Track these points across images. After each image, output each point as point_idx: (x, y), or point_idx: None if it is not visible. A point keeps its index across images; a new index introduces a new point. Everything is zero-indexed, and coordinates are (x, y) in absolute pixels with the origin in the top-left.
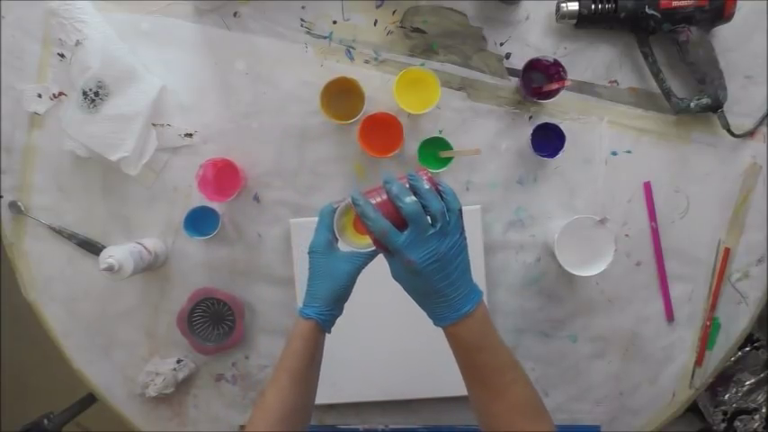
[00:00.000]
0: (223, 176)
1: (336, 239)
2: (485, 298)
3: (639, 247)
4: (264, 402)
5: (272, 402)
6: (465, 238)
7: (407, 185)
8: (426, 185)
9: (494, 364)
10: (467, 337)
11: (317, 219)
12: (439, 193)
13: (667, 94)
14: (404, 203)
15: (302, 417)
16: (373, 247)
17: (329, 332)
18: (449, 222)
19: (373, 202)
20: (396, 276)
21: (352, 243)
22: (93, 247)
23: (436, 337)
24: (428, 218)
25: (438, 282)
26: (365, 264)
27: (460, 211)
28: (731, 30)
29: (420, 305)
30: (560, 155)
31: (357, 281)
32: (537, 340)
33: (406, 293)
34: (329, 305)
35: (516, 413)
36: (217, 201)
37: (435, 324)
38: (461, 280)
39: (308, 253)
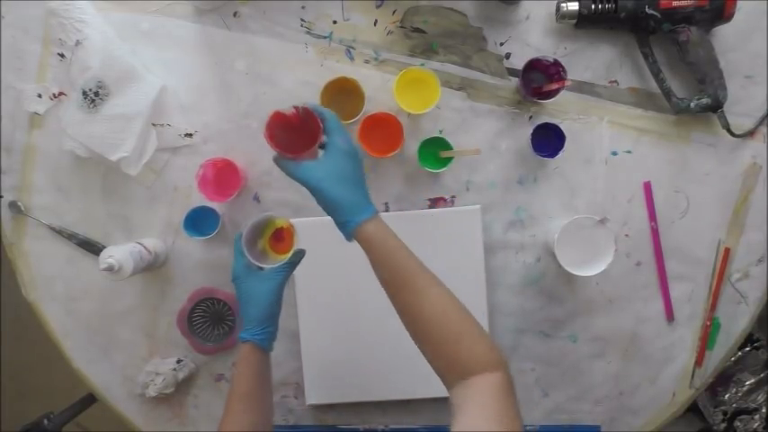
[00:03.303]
0: (223, 176)
1: (252, 264)
2: (484, 298)
3: (639, 247)
4: (222, 429)
5: (228, 428)
6: None
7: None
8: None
9: (412, 266)
10: (382, 233)
11: (316, 219)
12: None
13: (667, 94)
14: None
15: None
16: (287, 259)
17: (270, 350)
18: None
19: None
20: (325, 170)
21: (273, 260)
22: (93, 247)
23: None
24: None
25: (359, 168)
26: (286, 278)
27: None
28: (731, 30)
29: (339, 203)
30: (560, 155)
31: (358, 280)
32: (537, 340)
33: None
34: (262, 324)
35: (445, 311)
36: (217, 201)
37: (349, 225)
38: (363, 181)
39: (232, 281)
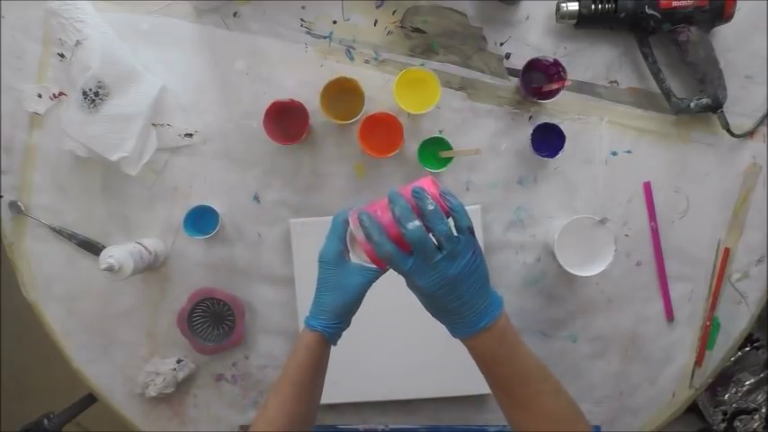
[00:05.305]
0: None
1: (348, 251)
2: None
3: (639, 247)
4: (267, 412)
5: (275, 413)
6: (479, 255)
7: (412, 203)
8: (431, 206)
9: (516, 377)
10: (484, 350)
11: (316, 219)
12: (447, 209)
13: (667, 94)
14: (407, 230)
15: (305, 427)
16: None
17: (335, 344)
18: (458, 243)
19: (379, 218)
20: (410, 289)
21: (366, 257)
22: (93, 247)
23: (437, 336)
24: (434, 241)
25: (450, 303)
26: (377, 277)
27: (471, 228)
28: (731, 30)
29: (435, 318)
30: (560, 155)
31: None
32: (537, 340)
33: (408, 295)
34: (337, 318)
35: (543, 424)
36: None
37: (452, 335)
38: (476, 298)
39: (319, 262)
